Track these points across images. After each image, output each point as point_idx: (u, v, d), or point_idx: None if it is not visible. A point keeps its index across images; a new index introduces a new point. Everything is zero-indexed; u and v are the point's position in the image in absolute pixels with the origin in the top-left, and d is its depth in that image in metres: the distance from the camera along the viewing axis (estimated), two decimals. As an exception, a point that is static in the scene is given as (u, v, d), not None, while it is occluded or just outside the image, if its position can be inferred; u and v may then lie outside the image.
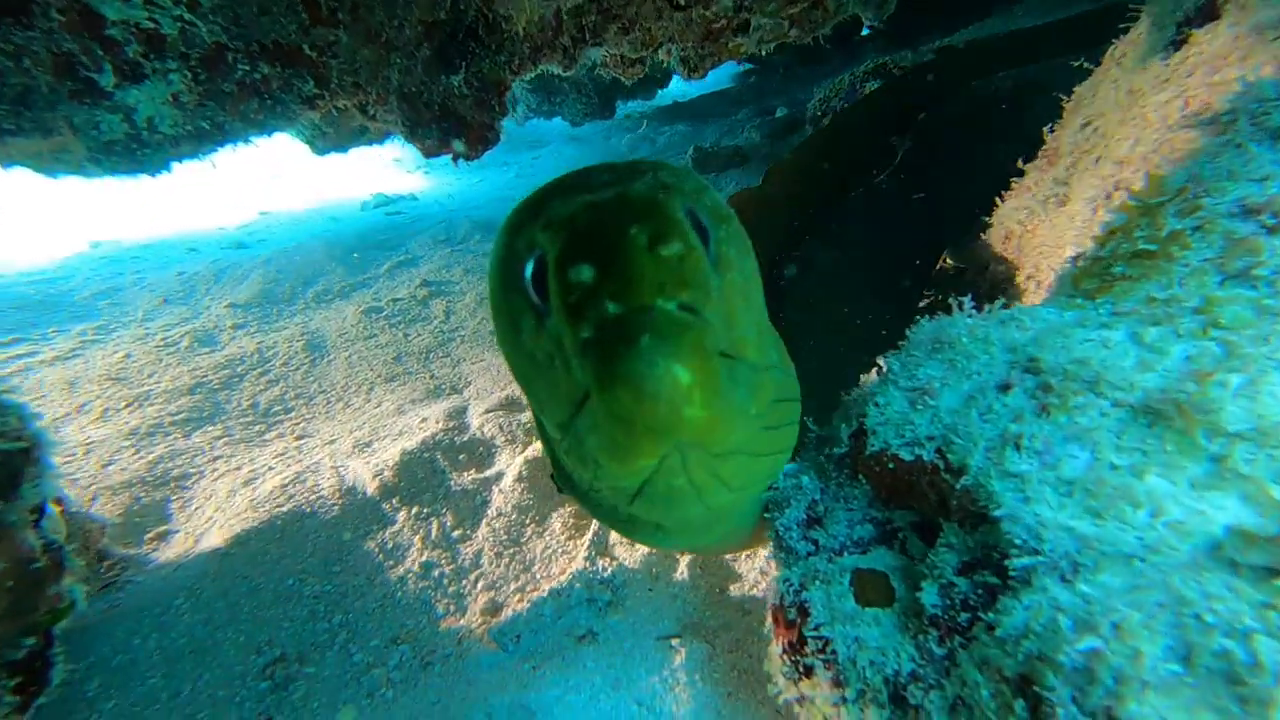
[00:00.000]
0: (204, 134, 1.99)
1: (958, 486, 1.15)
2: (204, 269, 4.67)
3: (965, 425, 1.19)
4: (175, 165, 2.05)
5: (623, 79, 2.98)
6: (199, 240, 5.47)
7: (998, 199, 2.33)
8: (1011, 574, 1.01)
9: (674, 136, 6.59)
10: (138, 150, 1.90)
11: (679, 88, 7.30)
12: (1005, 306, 1.37)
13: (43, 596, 1.16)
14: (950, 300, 1.43)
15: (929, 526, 1.34)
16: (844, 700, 1.26)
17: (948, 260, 3.00)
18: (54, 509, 1.41)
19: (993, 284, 2.27)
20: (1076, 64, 2.29)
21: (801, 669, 1.34)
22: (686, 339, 0.67)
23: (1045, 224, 1.92)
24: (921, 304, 2.81)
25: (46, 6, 1.57)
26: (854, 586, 1.33)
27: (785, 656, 1.38)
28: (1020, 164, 2.22)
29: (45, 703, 1.34)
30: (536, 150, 7.64)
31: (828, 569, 1.39)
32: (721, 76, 7.62)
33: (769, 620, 1.45)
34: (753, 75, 7.58)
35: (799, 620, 1.35)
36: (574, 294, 0.68)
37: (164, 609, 2.00)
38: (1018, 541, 1.01)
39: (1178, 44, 1.84)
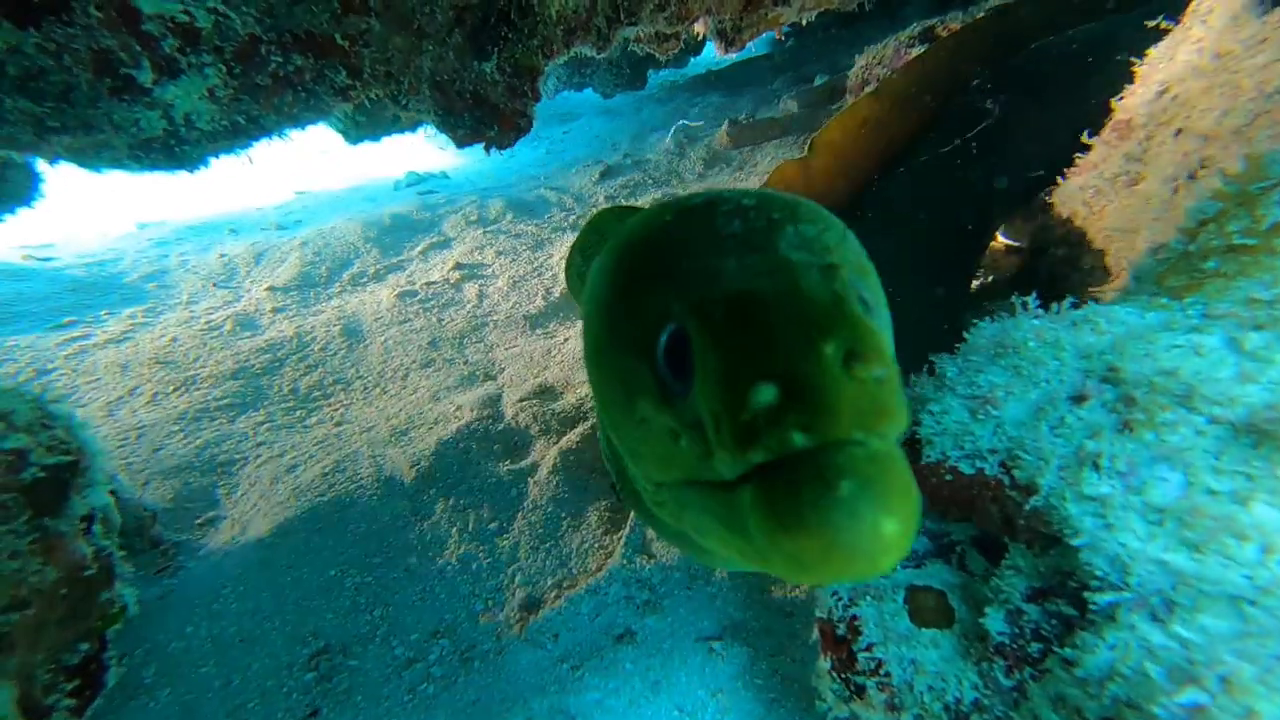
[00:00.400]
0: (240, 129, 1.97)
1: (1027, 506, 1.07)
2: (244, 251, 4.74)
3: (1034, 439, 1.11)
4: (212, 160, 2.04)
5: (657, 54, 2.87)
6: (239, 221, 5.55)
7: (1060, 176, 2.18)
8: (1093, 608, 0.94)
9: (706, 108, 6.40)
10: (176, 147, 1.89)
11: (712, 55, 7.07)
12: (1076, 305, 1.27)
13: (95, 603, 1.17)
14: (1014, 299, 1.33)
15: (990, 542, 1.26)
16: (898, 723, 1.22)
17: (1000, 239, 2.84)
18: (110, 500, 1.44)
19: (1052, 270, 2.13)
20: (1152, 23, 2.10)
21: (853, 688, 1.29)
22: (896, 483, 0.56)
23: (1114, 205, 1.78)
24: (974, 283, 2.68)
25: (85, 3, 1.55)
26: (909, 604, 1.27)
27: (835, 673, 1.33)
28: (1085, 138, 2.06)
29: (111, 685, 1.39)
30: (567, 124, 7.52)
31: (880, 583, 1.33)
32: (757, 42, 7.36)
33: (815, 633, 1.41)
34: (790, 39, 7.29)
35: (849, 637, 1.30)
36: (748, 413, 0.57)
37: (214, 598, 2.05)
38: (1099, 573, 0.94)
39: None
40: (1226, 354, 1.01)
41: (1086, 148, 2.06)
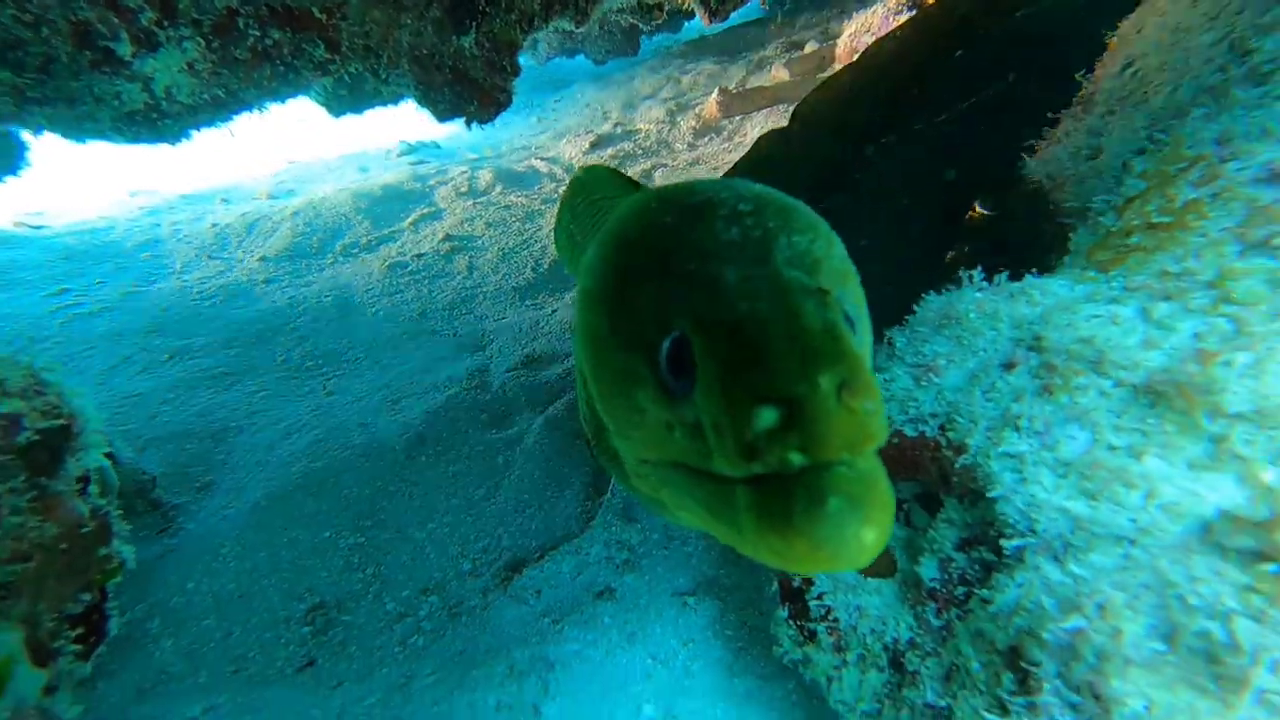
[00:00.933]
0: (220, 102, 2.00)
1: (958, 464, 1.16)
2: (236, 221, 4.77)
3: (968, 404, 1.19)
4: (194, 133, 2.07)
5: (641, 25, 2.88)
6: (231, 190, 5.55)
7: (1028, 151, 2.22)
8: (1006, 553, 1.03)
9: (698, 76, 6.35)
10: (158, 120, 1.92)
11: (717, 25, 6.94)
12: (1014, 278, 1.34)
13: (94, 558, 1.26)
14: (961, 273, 1.40)
15: (932, 499, 1.35)
16: (845, 663, 1.32)
17: (978, 209, 2.89)
18: (108, 463, 1.52)
19: (1020, 239, 2.19)
20: None
21: (806, 633, 1.40)
22: (877, 499, 0.64)
23: (1074, 179, 1.83)
24: (949, 255, 2.73)
25: (59, -28, 1.57)
26: (855, 556, 1.36)
27: (791, 620, 1.44)
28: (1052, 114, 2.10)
29: (116, 635, 1.49)
30: (558, 91, 7.44)
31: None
32: (753, 5, 7.26)
33: (775, 585, 1.51)
34: (786, 3, 7.18)
35: (804, 588, 1.40)
36: (753, 432, 0.65)
37: (213, 556, 2.15)
38: (1012, 521, 1.03)
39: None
40: (1137, 323, 1.09)
41: (1057, 121, 2.10)
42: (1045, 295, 1.24)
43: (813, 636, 1.38)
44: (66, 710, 1.10)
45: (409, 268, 4.10)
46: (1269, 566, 0.79)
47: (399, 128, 6.83)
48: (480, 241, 4.32)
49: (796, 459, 0.63)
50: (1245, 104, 1.29)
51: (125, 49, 1.70)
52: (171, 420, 2.89)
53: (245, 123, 2.29)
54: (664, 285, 0.79)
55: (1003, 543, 1.02)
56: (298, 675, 1.82)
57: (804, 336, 0.68)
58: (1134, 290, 1.15)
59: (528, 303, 3.67)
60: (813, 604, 1.38)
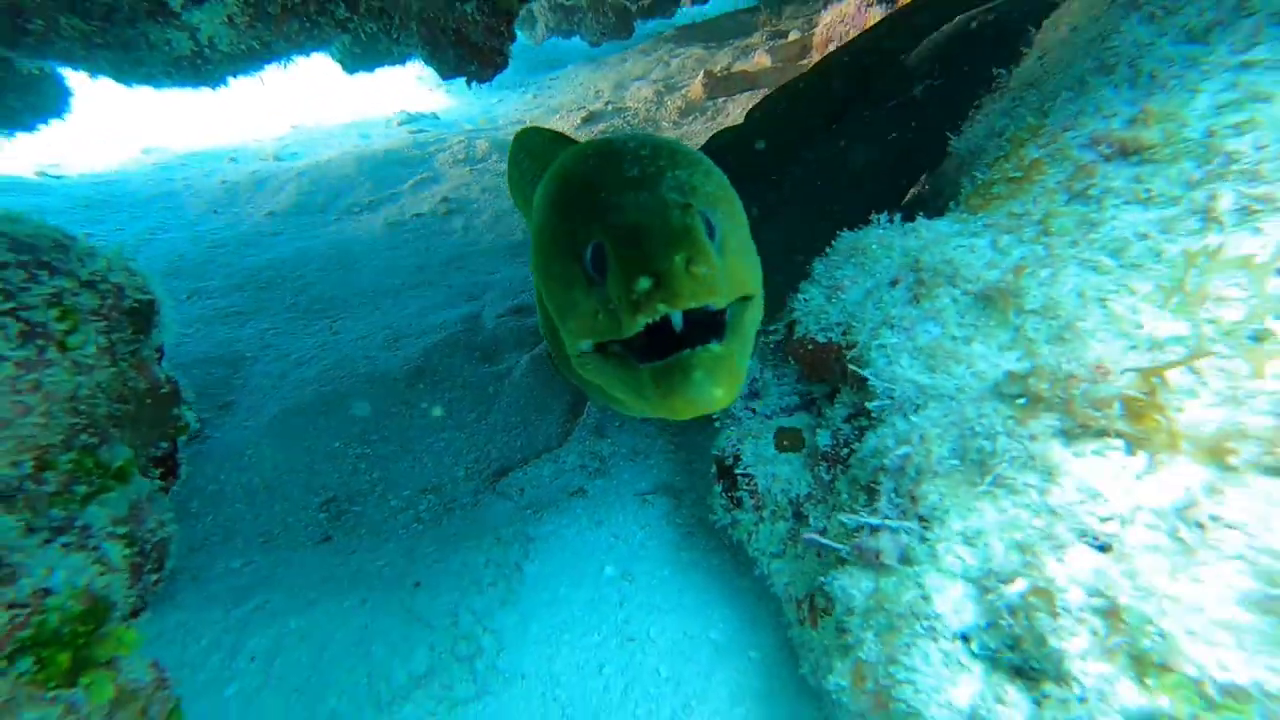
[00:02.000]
0: (254, 52, 2.29)
1: (849, 356, 1.51)
2: (244, 178, 5.02)
3: (861, 312, 1.54)
4: (230, 80, 2.37)
5: (629, 5, 3.17)
6: (238, 151, 5.79)
7: (955, 132, 2.56)
8: (873, 415, 1.38)
9: (687, 59, 6.63)
10: (201, 65, 2.21)
11: (698, 6, 7.21)
12: (908, 219, 1.68)
13: (169, 414, 1.58)
14: (872, 216, 1.74)
15: (836, 394, 1.70)
16: (761, 519, 1.68)
17: (925, 186, 3.24)
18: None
19: (944, 206, 2.54)
20: None
21: (734, 500, 1.75)
22: (724, 371, 1.01)
23: (983, 151, 2.17)
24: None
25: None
26: (776, 439, 1.71)
27: (723, 493, 1.79)
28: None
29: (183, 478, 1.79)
30: (553, 71, 7.69)
31: (759, 428, 1.78)
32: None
33: (713, 468, 1.86)
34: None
35: (733, 464, 1.75)
36: (636, 295, 1.01)
37: (239, 456, 2.47)
38: (879, 391, 1.38)
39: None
40: (987, 250, 1.43)
41: (979, 106, 2.44)
42: (929, 231, 1.59)
43: (739, 503, 1.73)
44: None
45: (408, 226, 4.39)
46: (1021, 400, 1.14)
47: (399, 99, 7.06)
48: (476, 204, 4.61)
49: (662, 308, 1.00)
50: (1094, 89, 1.63)
51: (176, 1, 2.00)
52: (194, 349, 3.19)
53: (250, 85, 2.57)
54: (587, 208, 1.18)
55: (868, 404, 1.37)
56: (317, 547, 2.15)
57: (668, 232, 1.06)
58: (990, 227, 1.50)
59: (518, 260, 3.98)
60: (739, 476, 1.73)
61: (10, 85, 2.53)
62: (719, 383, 1.01)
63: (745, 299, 1.19)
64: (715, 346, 1.03)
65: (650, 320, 1.01)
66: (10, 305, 0.99)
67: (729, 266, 1.14)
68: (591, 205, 1.17)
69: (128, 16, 2.02)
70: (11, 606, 0.81)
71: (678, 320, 1.03)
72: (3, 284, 1.00)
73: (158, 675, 1.01)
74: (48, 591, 0.89)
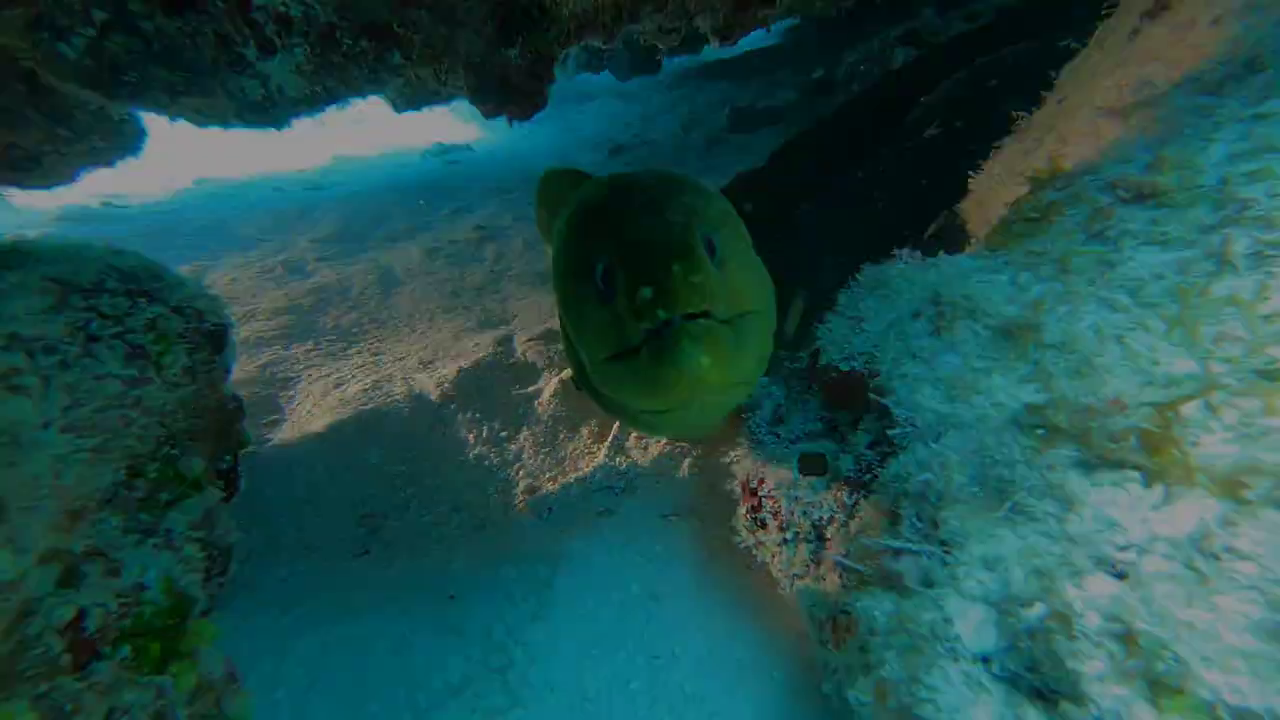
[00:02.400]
0: (318, 96, 2.46)
1: (872, 385, 1.57)
2: (290, 207, 5.27)
3: (884, 343, 1.61)
4: (294, 121, 2.54)
5: (660, 45, 3.33)
6: (283, 180, 6.07)
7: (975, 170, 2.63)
8: (895, 442, 1.44)
9: (713, 94, 6.82)
10: (270, 109, 2.38)
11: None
12: (930, 255, 1.76)
13: (233, 430, 1.70)
14: (894, 252, 1.82)
15: (860, 420, 1.76)
16: (785, 541, 1.73)
17: (944, 222, 3.30)
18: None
19: (963, 241, 2.60)
20: (1064, 44, 2.54)
21: (758, 523, 1.81)
22: (708, 339, 1.12)
23: (1001, 191, 2.24)
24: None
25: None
26: (800, 463, 1.77)
27: (747, 515, 1.85)
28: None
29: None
30: (582, 105, 7.95)
31: (783, 452, 1.84)
32: (775, 30, 7.72)
33: (738, 491, 1.92)
34: (802, 29, 7.63)
35: (757, 487, 1.81)
36: (639, 303, 1.14)
37: (284, 472, 2.59)
38: (901, 419, 1.44)
39: (1136, 33, 2.11)
40: (1006, 286, 1.50)
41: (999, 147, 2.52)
42: (950, 266, 1.66)
43: (763, 525, 1.79)
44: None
45: (444, 252, 4.56)
46: (1040, 431, 1.19)
47: (434, 131, 7.35)
48: (508, 232, 4.77)
49: (662, 314, 1.12)
50: (1110, 134, 1.70)
51: (252, 53, 2.17)
52: (242, 370, 3.34)
53: (329, 115, 2.74)
54: (600, 232, 1.32)
55: (890, 431, 1.43)
56: (357, 559, 2.24)
57: (668, 247, 1.18)
58: (1010, 264, 1.57)
59: (547, 286, 4.11)
60: (764, 498, 1.79)
61: (98, 129, 2.75)
62: (706, 351, 1.10)
63: (747, 314, 1.28)
64: (705, 320, 1.13)
65: (651, 325, 1.12)
66: (119, 329, 1.11)
67: (729, 282, 1.25)
68: (603, 229, 1.31)
69: (209, 68, 2.19)
70: (118, 596, 0.91)
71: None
72: (114, 310, 1.13)
73: (229, 670, 1.10)
74: (143, 586, 0.99)
